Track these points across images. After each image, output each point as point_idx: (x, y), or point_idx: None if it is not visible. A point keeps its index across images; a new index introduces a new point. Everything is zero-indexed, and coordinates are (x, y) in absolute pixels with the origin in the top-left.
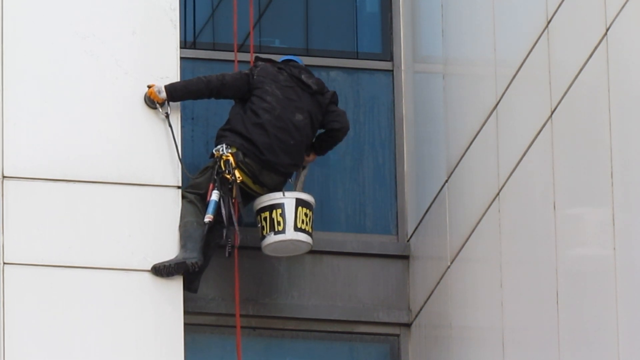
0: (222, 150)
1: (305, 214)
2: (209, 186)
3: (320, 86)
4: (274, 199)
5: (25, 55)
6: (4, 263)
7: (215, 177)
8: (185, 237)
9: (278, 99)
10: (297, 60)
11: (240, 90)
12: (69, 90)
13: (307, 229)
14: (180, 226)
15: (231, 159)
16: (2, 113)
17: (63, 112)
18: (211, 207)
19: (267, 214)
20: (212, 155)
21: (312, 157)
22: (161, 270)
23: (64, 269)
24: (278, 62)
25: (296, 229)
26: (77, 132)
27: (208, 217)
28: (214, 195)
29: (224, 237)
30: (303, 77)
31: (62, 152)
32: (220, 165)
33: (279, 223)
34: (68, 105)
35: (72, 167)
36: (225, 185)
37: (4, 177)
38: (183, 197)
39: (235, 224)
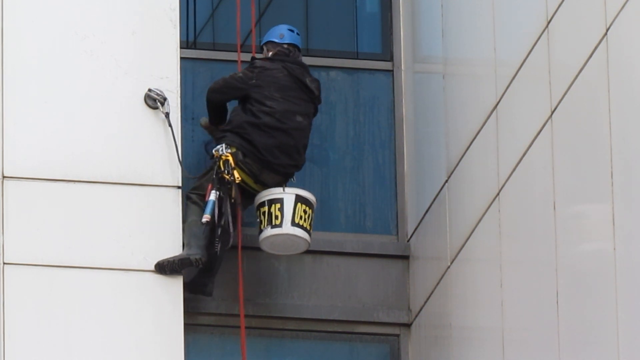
0: (222, 150)
1: (304, 211)
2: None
3: (319, 91)
4: (274, 193)
5: (25, 55)
6: (4, 263)
7: (214, 177)
8: (189, 235)
9: (278, 102)
10: (298, 44)
11: (234, 96)
12: (69, 91)
13: (305, 226)
14: (184, 226)
15: (230, 159)
16: (2, 113)
17: (63, 112)
18: (209, 207)
19: (265, 208)
20: (212, 155)
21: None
22: (164, 267)
23: (64, 269)
24: (277, 57)
25: (293, 224)
26: (77, 132)
27: (205, 217)
28: (212, 195)
29: (217, 236)
30: (307, 80)
31: (62, 152)
32: (219, 165)
33: (276, 217)
34: (68, 106)
35: (72, 167)
36: (223, 185)
37: (4, 177)
38: (188, 198)
39: (231, 225)
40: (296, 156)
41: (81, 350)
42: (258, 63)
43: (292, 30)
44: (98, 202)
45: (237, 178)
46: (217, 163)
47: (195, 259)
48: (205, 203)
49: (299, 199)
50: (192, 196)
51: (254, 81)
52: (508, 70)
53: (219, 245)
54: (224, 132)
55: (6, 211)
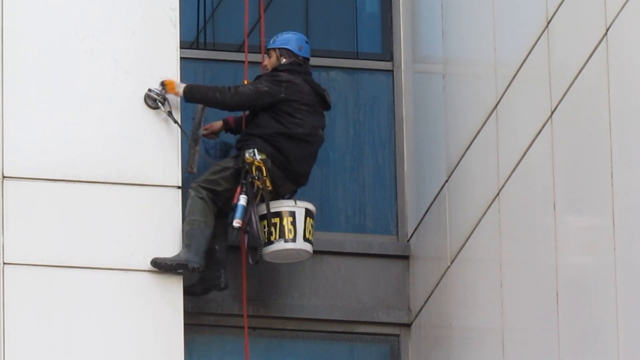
0: (255, 155)
1: (312, 225)
2: (231, 188)
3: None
4: (286, 205)
5: (25, 55)
6: (4, 263)
7: (244, 181)
8: (190, 236)
9: (306, 115)
10: (307, 55)
11: (259, 108)
12: (69, 90)
13: (312, 240)
14: (186, 222)
15: (262, 165)
16: (2, 113)
17: (63, 112)
18: (240, 212)
19: (277, 220)
20: (237, 156)
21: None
22: (160, 266)
23: (64, 269)
24: (293, 67)
25: (305, 239)
26: (77, 132)
27: (237, 222)
28: (242, 200)
29: (250, 244)
30: (326, 94)
31: (62, 152)
32: (251, 170)
33: (289, 231)
34: (68, 106)
35: (72, 167)
36: (252, 191)
37: (4, 177)
38: (196, 190)
39: (260, 231)
40: (311, 167)
41: (81, 350)
42: (284, 77)
43: (307, 42)
44: (98, 202)
45: (268, 187)
46: (248, 168)
47: (193, 267)
48: (234, 207)
49: (308, 213)
50: (202, 191)
51: (282, 95)
52: (508, 70)
53: (259, 255)
54: (251, 136)
55: (6, 211)
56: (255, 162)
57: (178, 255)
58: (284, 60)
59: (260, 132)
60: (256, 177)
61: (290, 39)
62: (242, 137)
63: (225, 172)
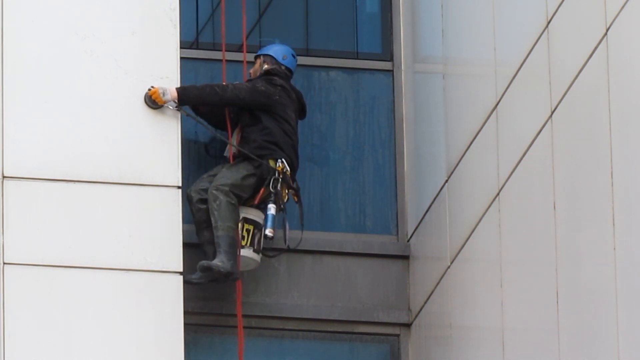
0: (286, 165)
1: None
2: (257, 193)
3: None
4: (258, 215)
5: (25, 55)
6: (4, 263)
7: (273, 189)
8: (228, 243)
9: (294, 122)
10: (294, 70)
11: (255, 106)
12: (69, 90)
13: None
14: (220, 228)
15: (290, 175)
16: (2, 113)
17: (63, 112)
18: (271, 221)
19: (251, 227)
20: (259, 165)
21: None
22: (214, 272)
23: (64, 269)
24: (284, 75)
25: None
26: (77, 132)
27: (270, 232)
28: (272, 209)
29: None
30: (304, 102)
31: (62, 152)
32: (282, 178)
33: (259, 241)
34: (68, 106)
35: (72, 167)
36: (280, 199)
37: (4, 177)
38: (224, 193)
39: (288, 239)
40: None
41: (81, 350)
42: (278, 81)
43: (294, 56)
44: (98, 202)
45: (294, 197)
46: (279, 176)
47: (236, 278)
48: (265, 216)
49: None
50: (234, 197)
51: (277, 97)
52: (508, 70)
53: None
54: (270, 144)
55: (6, 211)
56: (287, 172)
57: (222, 262)
58: (266, 66)
59: (275, 140)
60: (285, 184)
61: (276, 47)
62: (259, 145)
63: (248, 179)
